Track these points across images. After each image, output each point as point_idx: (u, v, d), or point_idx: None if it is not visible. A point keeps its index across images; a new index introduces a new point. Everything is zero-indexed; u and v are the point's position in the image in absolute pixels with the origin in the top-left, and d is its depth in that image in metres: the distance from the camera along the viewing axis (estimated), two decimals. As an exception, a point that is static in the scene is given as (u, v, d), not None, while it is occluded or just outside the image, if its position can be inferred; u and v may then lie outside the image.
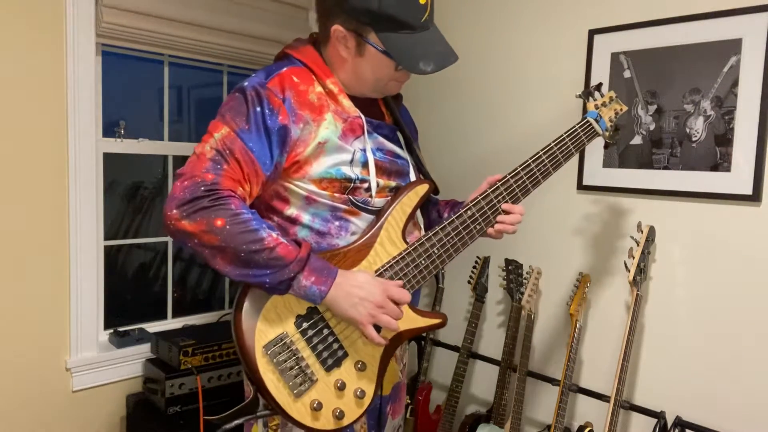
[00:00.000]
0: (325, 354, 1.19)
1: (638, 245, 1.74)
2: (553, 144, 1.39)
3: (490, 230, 1.35)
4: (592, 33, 1.91)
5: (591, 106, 1.49)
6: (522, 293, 2.02)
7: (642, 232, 1.75)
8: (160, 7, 2.08)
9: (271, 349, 1.14)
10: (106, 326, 2.23)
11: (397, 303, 1.21)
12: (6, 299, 1.89)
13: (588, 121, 1.44)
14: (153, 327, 2.33)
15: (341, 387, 1.19)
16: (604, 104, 1.49)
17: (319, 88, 1.24)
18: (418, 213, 1.40)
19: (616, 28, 1.86)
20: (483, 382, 2.30)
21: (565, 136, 1.41)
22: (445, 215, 1.50)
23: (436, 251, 1.28)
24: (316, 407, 1.15)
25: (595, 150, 1.92)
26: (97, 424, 2.13)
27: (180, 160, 2.42)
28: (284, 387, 1.14)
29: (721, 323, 1.70)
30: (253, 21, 2.33)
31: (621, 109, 1.52)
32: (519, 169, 1.36)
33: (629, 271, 1.72)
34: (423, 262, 1.27)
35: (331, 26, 1.22)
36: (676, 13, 1.74)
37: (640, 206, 1.85)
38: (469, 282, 2.17)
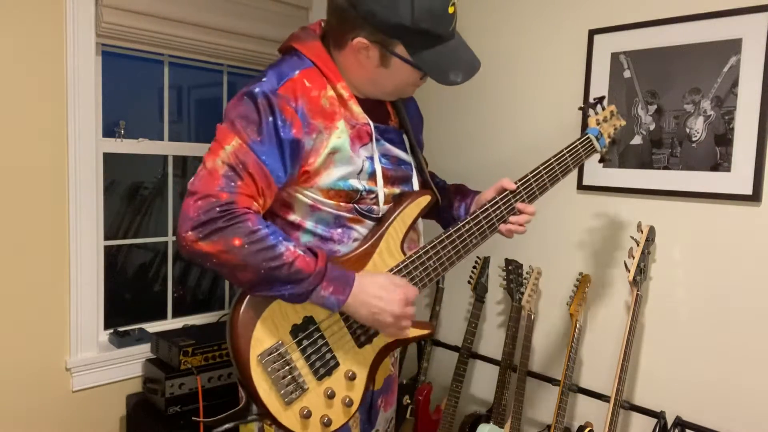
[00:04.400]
0: (317, 364, 1.20)
1: (638, 245, 1.74)
2: (553, 160, 1.40)
3: (501, 228, 1.38)
4: (592, 33, 1.91)
5: (592, 121, 1.50)
6: (522, 293, 2.02)
7: (642, 232, 1.75)
8: (160, 7, 2.08)
9: (266, 358, 1.14)
10: (106, 326, 2.23)
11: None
12: (6, 299, 1.89)
13: (589, 138, 1.46)
14: (153, 327, 2.33)
15: (331, 395, 1.20)
16: (605, 119, 1.51)
17: (331, 92, 1.20)
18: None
19: (616, 28, 1.86)
20: (483, 382, 2.30)
21: (565, 152, 1.42)
22: (455, 211, 1.50)
23: (432, 264, 1.29)
24: (306, 415, 1.17)
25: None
26: (97, 424, 2.13)
27: (180, 160, 2.42)
28: (276, 395, 1.15)
29: (722, 323, 1.70)
30: (253, 21, 2.33)
31: (620, 125, 1.55)
32: (519, 184, 1.37)
33: (629, 271, 1.72)
34: (419, 274, 1.28)
35: (353, 38, 1.17)
36: (676, 13, 1.74)
37: (640, 206, 1.85)
38: (469, 282, 2.17)
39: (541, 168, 1.39)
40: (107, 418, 2.15)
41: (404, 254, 1.29)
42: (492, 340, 2.26)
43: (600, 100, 1.54)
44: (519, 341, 2.01)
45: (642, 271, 1.73)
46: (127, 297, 2.35)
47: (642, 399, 1.85)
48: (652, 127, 1.80)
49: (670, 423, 1.74)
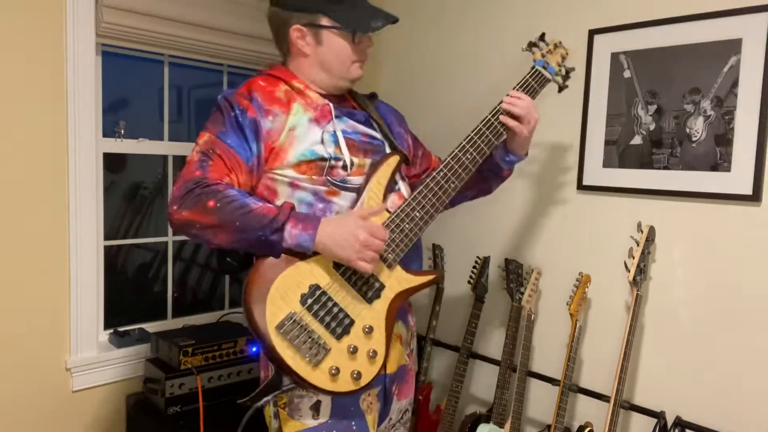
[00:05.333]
0: (333, 324, 1.28)
1: (638, 245, 1.74)
2: (506, 98, 1.48)
3: (511, 124, 1.44)
4: (592, 33, 1.91)
5: (537, 55, 1.57)
6: (522, 293, 2.02)
7: (642, 232, 1.75)
8: (160, 7, 2.08)
9: (283, 327, 1.24)
10: (106, 326, 2.23)
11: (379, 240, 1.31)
12: (6, 299, 1.89)
13: (536, 69, 1.53)
14: (153, 327, 2.33)
15: (354, 351, 1.28)
16: (549, 51, 1.58)
17: (285, 87, 1.40)
18: (402, 183, 1.48)
19: (616, 28, 1.86)
20: (483, 382, 2.30)
21: (517, 86, 1.49)
22: (496, 159, 1.59)
23: (417, 214, 1.38)
24: (335, 372, 1.25)
25: (595, 150, 1.92)
26: (97, 424, 2.13)
27: (180, 160, 2.42)
28: (302, 359, 1.24)
29: (721, 323, 1.70)
30: (253, 21, 2.33)
31: (567, 53, 1.61)
32: (481, 126, 1.45)
33: (629, 271, 1.72)
34: (407, 225, 1.37)
35: (289, 31, 1.39)
36: (676, 13, 1.74)
37: (640, 206, 1.85)
38: (469, 282, 2.17)
39: (499, 106, 1.47)
40: (107, 418, 2.15)
41: (389, 213, 1.38)
42: (492, 340, 2.26)
43: (542, 36, 1.61)
44: (519, 341, 2.01)
45: (642, 271, 1.73)
46: (127, 297, 2.35)
47: (642, 399, 1.85)
48: (652, 127, 1.81)
49: (670, 423, 1.74)
